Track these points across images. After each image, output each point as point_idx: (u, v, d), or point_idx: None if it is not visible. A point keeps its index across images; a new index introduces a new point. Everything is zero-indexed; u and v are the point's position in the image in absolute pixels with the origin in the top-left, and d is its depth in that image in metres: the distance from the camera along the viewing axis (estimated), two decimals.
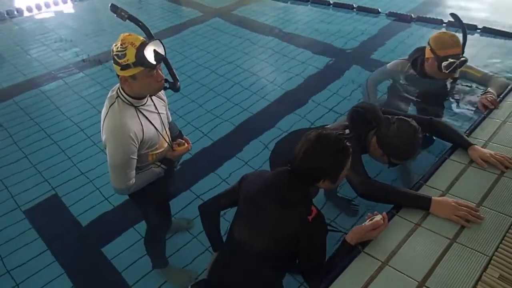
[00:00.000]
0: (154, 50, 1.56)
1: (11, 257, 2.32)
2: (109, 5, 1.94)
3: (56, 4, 6.64)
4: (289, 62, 4.20)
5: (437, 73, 2.37)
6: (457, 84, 2.59)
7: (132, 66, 1.52)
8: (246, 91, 3.75)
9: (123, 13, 1.91)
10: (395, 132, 1.72)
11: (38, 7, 6.48)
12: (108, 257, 2.28)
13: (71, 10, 6.55)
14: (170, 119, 2.04)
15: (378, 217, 1.49)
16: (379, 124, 1.79)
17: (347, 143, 1.42)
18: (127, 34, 1.57)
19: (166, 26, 5.48)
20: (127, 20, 1.94)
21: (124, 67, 1.53)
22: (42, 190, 2.78)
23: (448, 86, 2.55)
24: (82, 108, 3.68)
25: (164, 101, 1.87)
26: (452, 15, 2.57)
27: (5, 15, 6.16)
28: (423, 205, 1.59)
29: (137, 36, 1.57)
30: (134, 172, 1.70)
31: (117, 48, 1.52)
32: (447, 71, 2.32)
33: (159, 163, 1.85)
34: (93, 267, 2.27)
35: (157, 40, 1.60)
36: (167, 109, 1.95)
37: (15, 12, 6.27)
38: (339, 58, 4.18)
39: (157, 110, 1.78)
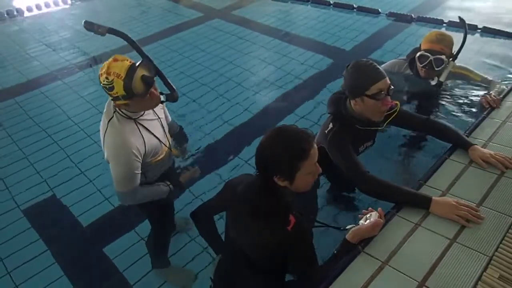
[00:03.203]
0: (143, 76, 1.49)
1: (11, 257, 2.32)
2: (83, 22, 1.73)
3: (56, 4, 6.64)
4: (289, 62, 4.19)
5: (419, 69, 2.35)
6: (449, 84, 2.57)
7: (122, 99, 1.49)
8: (247, 91, 3.75)
9: (100, 30, 1.71)
10: (351, 71, 1.74)
11: (38, 7, 6.49)
12: (110, 257, 2.27)
13: (71, 10, 6.56)
14: (170, 119, 2.03)
15: (375, 215, 1.49)
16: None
17: (303, 144, 1.29)
18: (112, 59, 1.49)
19: (166, 26, 5.48)
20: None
21: (116, 99, 1.51)
22: (42, 190, 2.78)
23: (444, 87, 2.54)
24: (82, 108, 3.68)
25: (161, 104, 1.85)
26: (460, 18, 2.54)
27: (5, 15, 6.17)
28: (423, 204, 1.59)
29: (123, 63, 1.48)
30: (138, 185, 1.69)
31: (104, 80, 1.47)
32: (421, 65, 2.30)
33: (168, 183, 1.84)
34: (93, 267, 2.26)
35: (144, 61, 1.53)
36: (165, 110, 1.93)
37: (15, 12, 6.28)
38: (339, 58, 4.18)
39: (156, 116, 1.76)
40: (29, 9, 6.39)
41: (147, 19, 5.82)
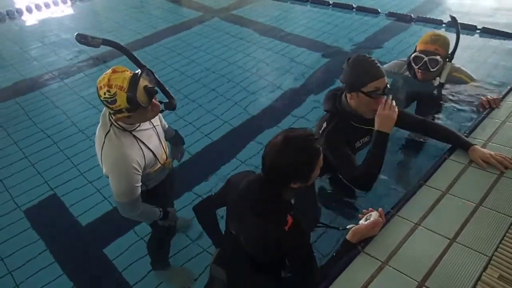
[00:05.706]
0: (145, 87, 1.46)
1: (11, 257, 2.32)
2: (75, 35, 1.69)
3: (56, 4, 6.65)
4: (288, 62, 4.20)
5: (416, 71, 2.34)
6: (446, 87, 2.57)
7: (126, 111, 1.46)
8: (246, 91, 3.75)
9: (94, 42, 1.67)
10: (351, 65, 1.72)
11: (38, 8, 6.49)
12: (110, 257, 2.27)
13: (71, 11, 6.56)
14: (166, 126, 2.01)
15: (375, 215, 1.49)
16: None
17: (316, 144, 1.34)
18: (111, 71, 1.44)
19: (166, 26, 5.48)
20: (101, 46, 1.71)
21: (117, 112, 1.47)
22: (42, 191, 2.78)
23: (441, 89, 2.53)
24: (82, 108, 3.68)
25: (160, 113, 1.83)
26: (451, 17, 2.53)
27: (5, 15, 6.17)
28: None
29: (123, 74, 1.44)
30: (140, 198, 1.68)
31: (105, 94, 1.42)
32: (416, 66, 2.28)
33: (161, 209, 1.86)
34: (93, 267, 2.26)
35: (145, 71, 1.50)
36: (161, 117, 1.91)
37: (15, 13, 6.29)
38: (339, 58, 4.17)
39: (152, 124, 1.74)
40: (29, 10, 6.39)
41: (147, 19, 5.82)
